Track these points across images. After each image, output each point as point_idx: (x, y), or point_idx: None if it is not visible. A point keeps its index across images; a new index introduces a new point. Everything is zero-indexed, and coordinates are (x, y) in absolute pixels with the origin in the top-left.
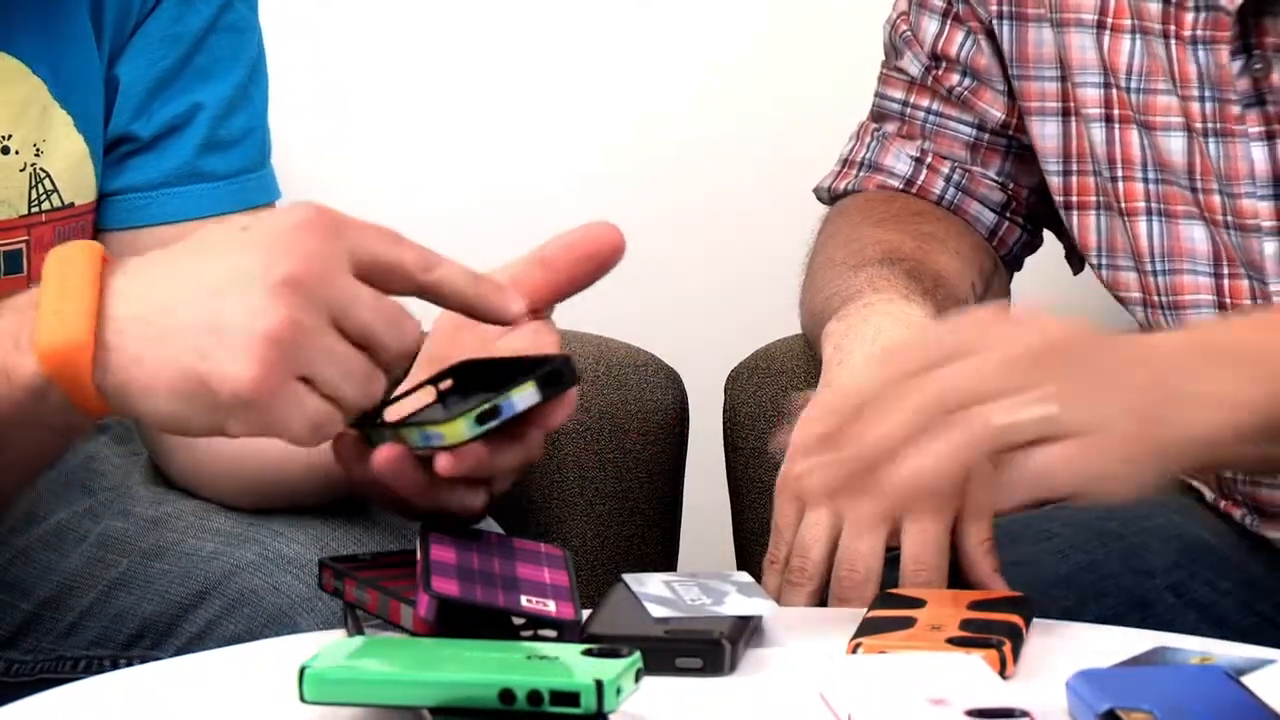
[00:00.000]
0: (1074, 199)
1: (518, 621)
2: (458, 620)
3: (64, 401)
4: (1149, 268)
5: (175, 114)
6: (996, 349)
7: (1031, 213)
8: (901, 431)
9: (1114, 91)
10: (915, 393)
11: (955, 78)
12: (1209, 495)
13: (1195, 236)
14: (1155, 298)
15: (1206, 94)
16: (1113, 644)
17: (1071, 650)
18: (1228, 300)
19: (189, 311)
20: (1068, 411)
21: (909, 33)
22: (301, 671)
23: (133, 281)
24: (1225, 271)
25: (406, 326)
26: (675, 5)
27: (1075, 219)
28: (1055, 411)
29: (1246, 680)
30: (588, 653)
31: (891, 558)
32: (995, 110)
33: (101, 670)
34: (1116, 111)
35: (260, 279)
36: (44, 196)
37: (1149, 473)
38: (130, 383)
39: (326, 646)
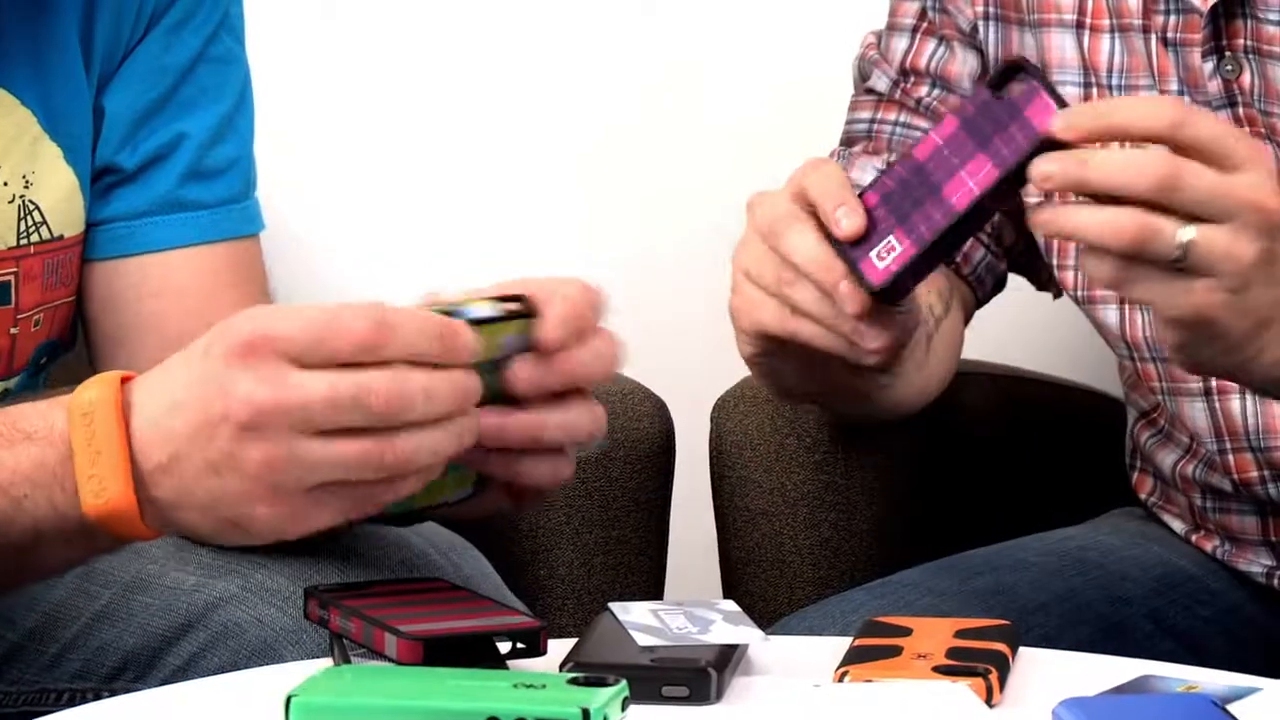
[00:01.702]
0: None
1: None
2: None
3: (115, 538)
4: None
5: (160, 144)
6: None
7: (998, 234)
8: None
9: (1095, 90)
10: (1175, 170)
11: (924, 89)
12: (1181, 529)
13: None
14: None
15: (1183, 89)
16: (1098, 672)
17: (1057, 678)
18: None
19: (189, 459)
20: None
21: (877, 55)
22: (288, 701)
23: (146, 426)
24: None
25: (372, 400)
26: (657, 39)
27: None
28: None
29: (1232, 709)
30: (574, 681)
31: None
32: None
33: (84, 703)
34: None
35: (222, 426)
36: (33, 228)
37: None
38: (176, 525)
39: (313, 676)
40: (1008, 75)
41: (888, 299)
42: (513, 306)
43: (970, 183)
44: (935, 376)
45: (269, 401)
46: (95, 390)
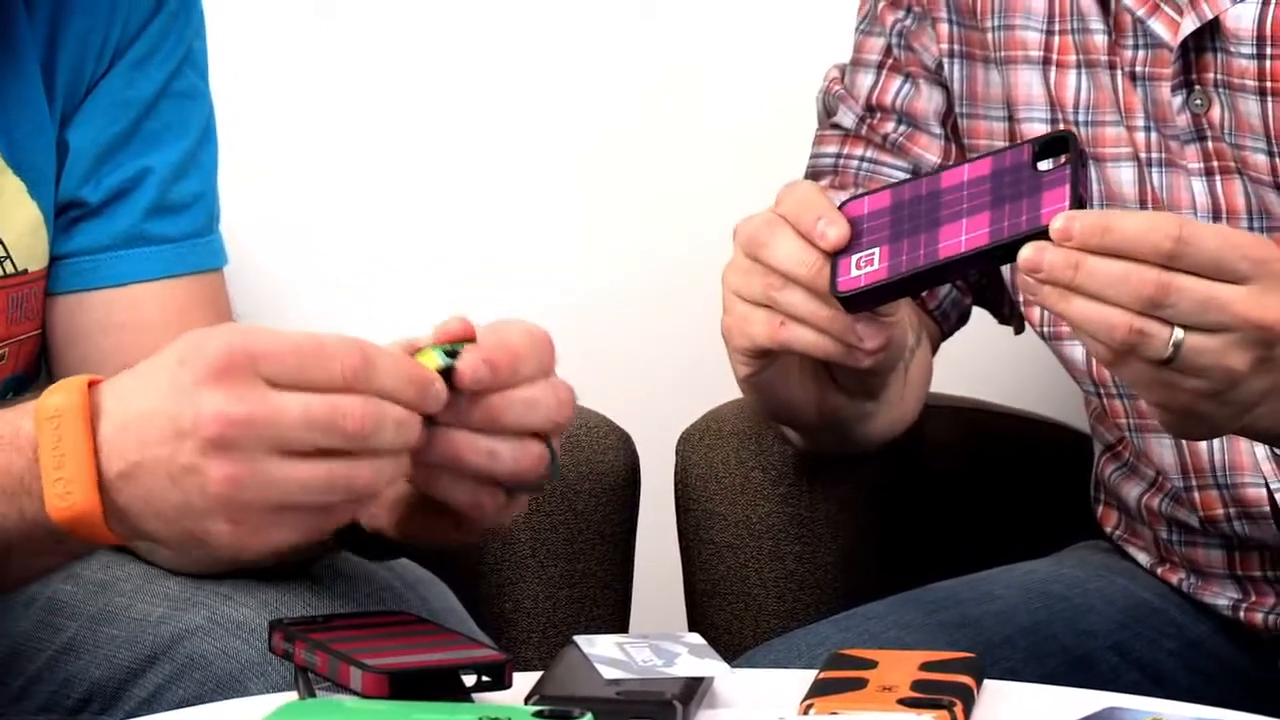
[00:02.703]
0: None
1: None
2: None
3: (82, 542)
4: None
5: (124, 178)
6: (1247, 298)
7: None
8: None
9: (1061, 127)
10: (1164, 287)
11: (890, 125)
12: (1146, 562)
13: None
14: None
15: (1151, 124)
16: (1062, 704)
17: (1022, 711)
18: None
19: (153, 468)
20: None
21: (842, 90)
22: None
23: (114, 431)
24: None
25: (347, 424)
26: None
27: None
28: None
29: None
30: (540, 714)
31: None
32: (930, 155)
33: None
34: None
35: (189, 439)
36: None
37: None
38: (141, 533)
39: (278, 709)
40: (1055, 147)
41: (848, 308)
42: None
43: (962, 238)
44: (909, 408)
45: (241, 417)
46: (62, 395)
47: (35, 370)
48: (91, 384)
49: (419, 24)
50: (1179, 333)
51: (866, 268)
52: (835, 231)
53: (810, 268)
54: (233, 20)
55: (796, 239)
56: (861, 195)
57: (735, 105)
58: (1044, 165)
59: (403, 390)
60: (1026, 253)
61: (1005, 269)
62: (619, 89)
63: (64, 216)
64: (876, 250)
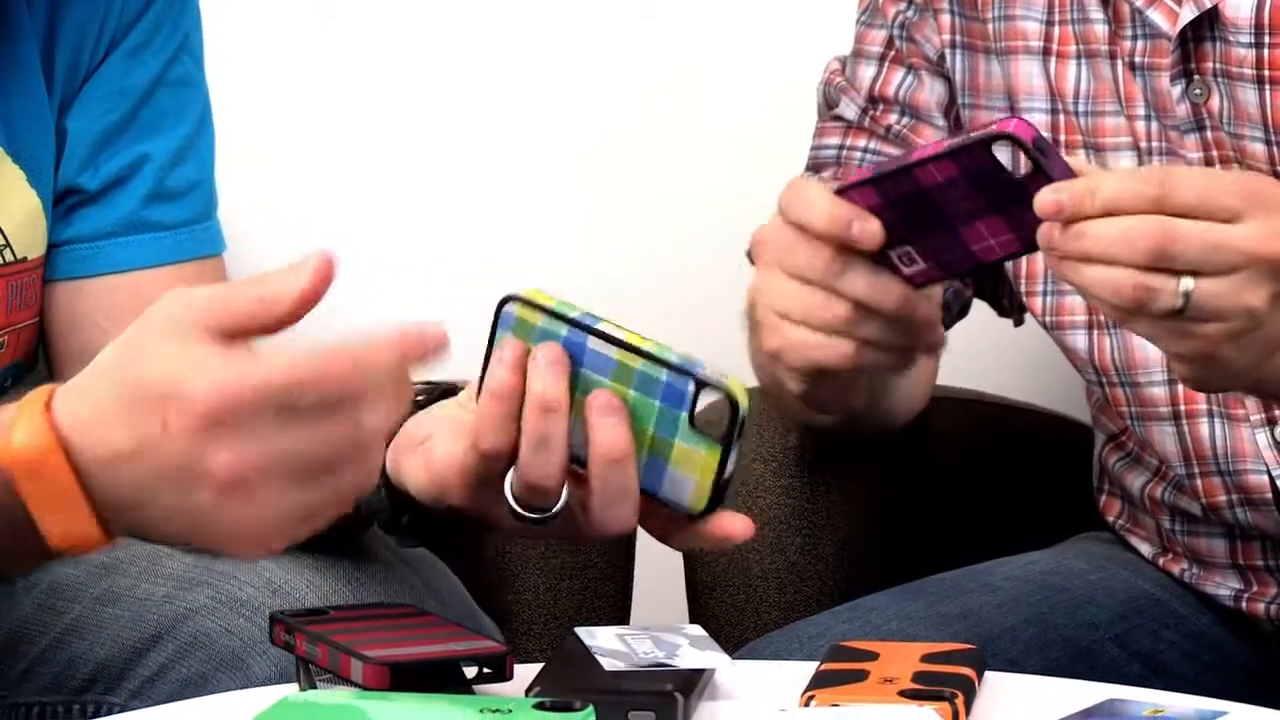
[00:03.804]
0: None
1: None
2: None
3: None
4: None
5: (122, 166)
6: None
7: None
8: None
9: (1061, 117)
10: (1168, 235)
11: (893, 117)
12: (1149, 552)
13: None
14: (1099, 316)
15: (1151, 114)
16: (1063, 696)
17: (1023, 702)
18: None
19: (157, 503)
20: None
21: (844, 83)
22: None
23: (104, 467)
24: None
25: (331, 368)
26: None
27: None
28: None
29: None
30: (540, 706)
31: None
32: None
33: (55, 716)
34: (1064, 137)
35: (200, 488)
36: None
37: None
38: (148, 540)
39: (279, 701)
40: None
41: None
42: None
43: (991, 242)
44: (922, 389)
45: (251, 463)
46: (27, 434)
47: (34, 358)
48: (48, 404)
49: (419, 24)
50: (1188, 282)
51: (913, 265)
52: (873, 230)
53: (898, 301)
54: (235, 14)
55: (868, 268)
56: (844, 189)
57: (735, 105)
58: (1011, 164)
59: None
60: (1044, 238)
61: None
62: (619, 89)
63: (62, 204)
64: (910, 248)
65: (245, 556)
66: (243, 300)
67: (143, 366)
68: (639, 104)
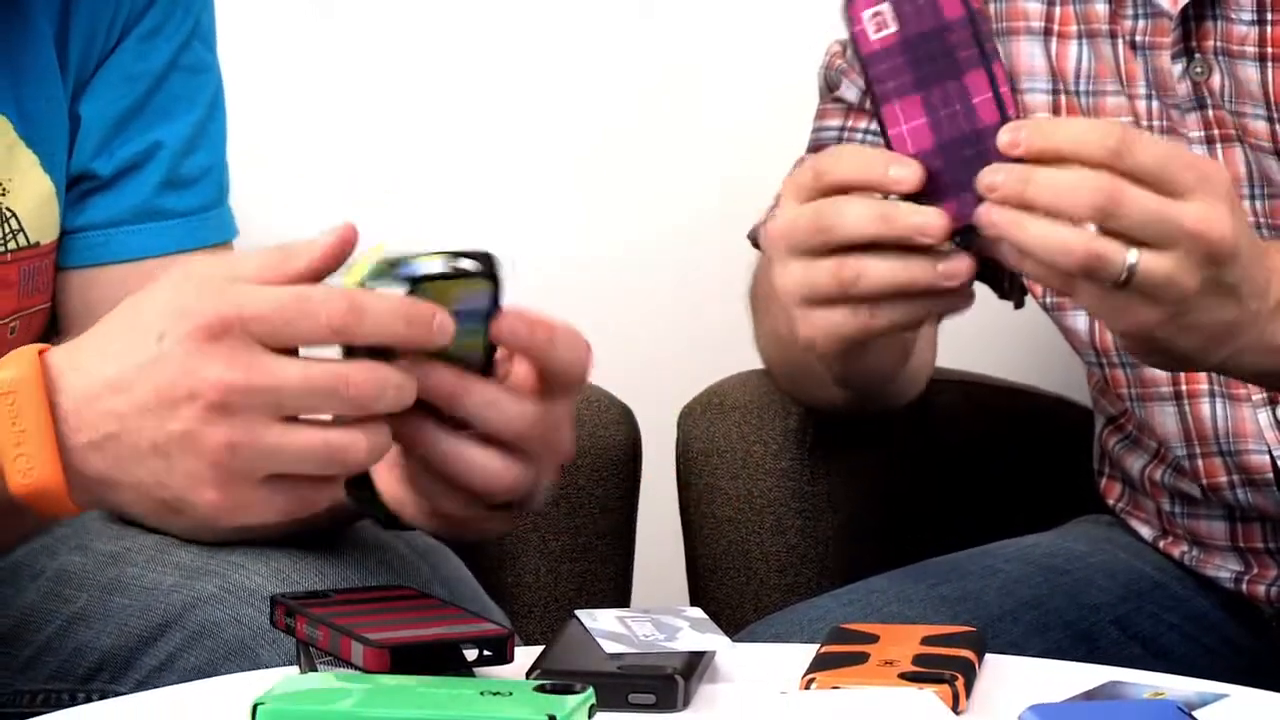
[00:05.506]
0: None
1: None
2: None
3: (42, 515)
4: None
5: (135, 152)
6: (1200, 212)
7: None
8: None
9: (1062, 97)
10: (1115, 194)
11: None
12: (1149, 535)
13: None
14: None
15: (1152, 93)
16: (1064, 679)
17: (1023, 685)
18: None
19: (134, 437)
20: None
21: (845, 65)
22: (254, 709)
23: (78, 402)
24: None
25: (350, 392)
26: (654, 42)
27: None
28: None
29: (1199, 715)
30: (541, 688)
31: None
32: None
33: (60, 704)
34: (1065, 116)
35: (185, 406)
36: (10, 236)
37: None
38: (107, 502)
39: (280, 683)
40: None
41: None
42: (467, 265)
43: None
44: (924, 368)
45: (240, 383)
46: (14, 368)
47: (45, 343)
48: (42, 352)
49: (419, 23)
50: (1134, 253)
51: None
52: (911, 171)
53: (886, 220)
54: (235, 13)
55: (860, 200)
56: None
57: (733, 104)
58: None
59: (399, 331)
60: (983, 177)
61: None
62: (617, 88)
63: (75, 189)
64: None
65: (207, 512)
66: (259, 252)
67: (144, 301)
68: (637, 103)
